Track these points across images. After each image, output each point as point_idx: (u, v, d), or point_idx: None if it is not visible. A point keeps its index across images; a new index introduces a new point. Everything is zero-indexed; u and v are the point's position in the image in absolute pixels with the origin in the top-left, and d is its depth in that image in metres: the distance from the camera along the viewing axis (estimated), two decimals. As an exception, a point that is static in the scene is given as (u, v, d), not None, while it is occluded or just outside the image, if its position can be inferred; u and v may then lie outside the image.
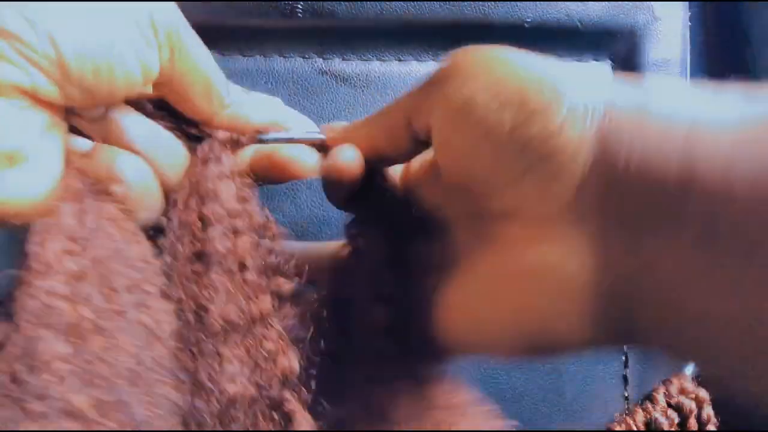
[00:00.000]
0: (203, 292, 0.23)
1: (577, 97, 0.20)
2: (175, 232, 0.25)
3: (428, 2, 0.35)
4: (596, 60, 0.39)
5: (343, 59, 0.36)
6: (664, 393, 0.40)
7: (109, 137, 0.25)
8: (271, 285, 0.25)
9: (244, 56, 0.35)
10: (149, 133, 0.26)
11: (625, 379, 0.40)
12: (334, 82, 0.36)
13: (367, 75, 0.36)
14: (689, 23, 0.41)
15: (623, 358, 0.40)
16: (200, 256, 0.24)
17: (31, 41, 0.20)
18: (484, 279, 0.22)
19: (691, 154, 0.18)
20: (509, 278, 0.21)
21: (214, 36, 0.34)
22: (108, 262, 0.22)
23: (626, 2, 0.38)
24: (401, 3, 0.35)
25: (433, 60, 0.37)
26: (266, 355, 0.24)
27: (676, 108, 0.19)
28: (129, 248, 0.23)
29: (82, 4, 0.22)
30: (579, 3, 0.37)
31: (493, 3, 0.36)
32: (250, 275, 0.24)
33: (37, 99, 0.21)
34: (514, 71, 0.21)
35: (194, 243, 0.24)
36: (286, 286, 0.25)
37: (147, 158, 0.25)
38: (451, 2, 0.36)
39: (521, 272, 0.21)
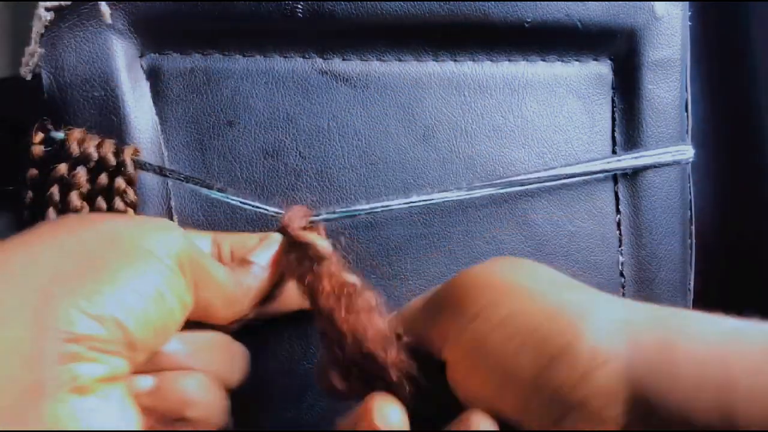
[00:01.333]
0: None
1: (597, 337, 0.19)
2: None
3: (428, 2, 0.35)
4: (596, 60, 0.39)
5: (343, 59, 0.36)
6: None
7: (163, 366, 0.25)
8: None
9: (244, 56, 0.35)
10: (198, 346, 0.26)
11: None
12: (334, 82, 0.36)
13: (367, 75, 0.36)
14: (689, 23, 0.41)
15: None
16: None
17: (102, 334, 0.21)
18: None
19: (730, 404, 0.17)
20: None
21: (214, 36, 0.34)
22: None
23: (626, 2, 0.38)
24: (401, 3, 0.35)
25: (434, 60, 0.37)
26: None
27: (705, 351, 0.18)
28: None
29: (119, 263, 0.22)
30: (579, 3, 0.37)
31: (493, 3, 0.36)
32: None
33: (113, 379, 0.22)
34: (528, 304, 0.20)
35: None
36: None
37: (206, 371, 0.26)
38: (451, 2, 0.36)
39: None
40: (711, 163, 0.47)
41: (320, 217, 0.32)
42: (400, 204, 0.34)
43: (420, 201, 0.34)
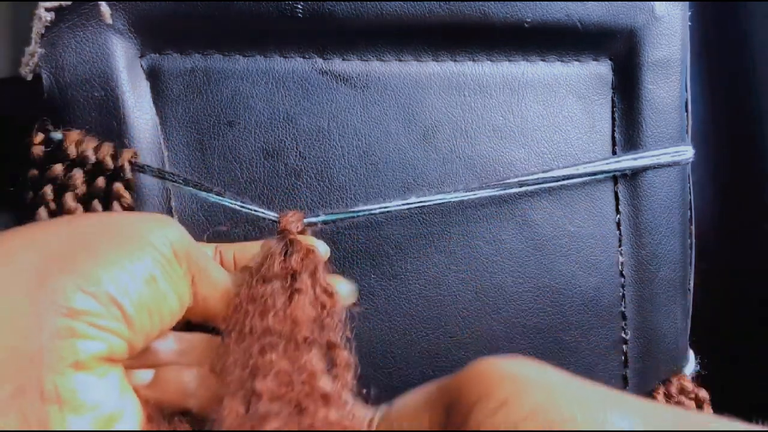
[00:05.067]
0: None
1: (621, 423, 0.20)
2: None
3: (428, 2, 0.35)
4: (596, 60, 0.39)
5: (343, 59, 0.36)
6: (664, 393, 0.40)
7: (160, 363, 0.26)
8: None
9: (244, 56, 0.35)
10: (194, 345, 0.27)
11: (624, 379, 0.40)
12: (334, 82, 0.36)
13: (367, 75, 0.36)
14: (689, 23, 0.41)
15: (623, 358, 0.40)
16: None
17: (99, 310, 0.21)
18: None
19: None
20: None
21: (214, 36, 0.34)
22: None
23: (626, 2, 0.38)
24: (401, 3, 0.35)
25: (434, 60, 0.37)
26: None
27: None
28: None
29: (114, 246, 0.22)
30: (579, 3, 0.37)
31: (493, 3, 0.36)
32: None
33: (111, 359, 0.22)
34: (556, 396, 0.21)
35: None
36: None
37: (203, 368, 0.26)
38: (451, 2, 0.36)
39: None
40: (711, 163, 0.47)
41: (318, 218, 0.32)
42: (398, 206, 0.34)
43: (418, 203, 0.34)
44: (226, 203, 0.31)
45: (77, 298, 0.20)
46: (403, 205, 0.34)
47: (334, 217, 0.33)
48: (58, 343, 0.20)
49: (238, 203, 0.31)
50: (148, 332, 0.23)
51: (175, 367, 0.26)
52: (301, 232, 0.31)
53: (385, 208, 0.33)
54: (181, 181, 0.31)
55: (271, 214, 0.32)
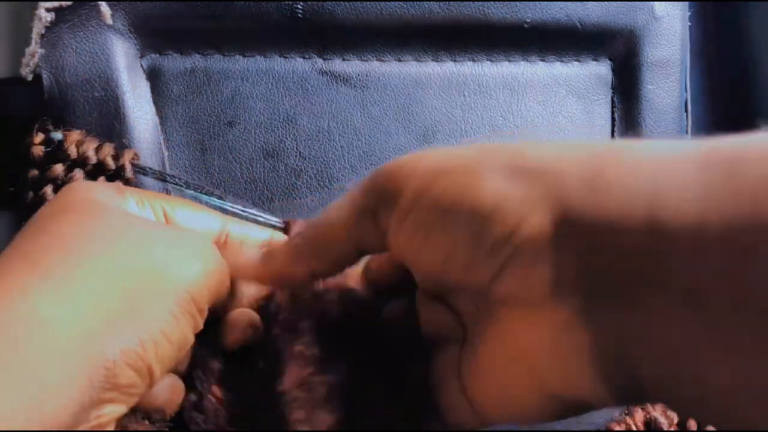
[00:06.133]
0: None
1: (521, 190, 0.20)
2: None
3: (428, 2, 0.35)
4: (596, 60, 0.39)
5: (343, 59, 0.36)
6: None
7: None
8: None
9: (244, 56, 0.35)
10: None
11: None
12: (334, 82, 0.36)
13: (367, 75, 0.36)
14: (689, 23, 0.41)
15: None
16: None
17: (138, 385, 0.21)
18: (498, 356, 0.23)
19: (658, 216, 0.18)
20: (518, 357, 0.22)
21: (214, 36, 0.34)
22: None
23: (626, 2, 0.38)
24: (401, 3, 0.35)
25: (434, 60, 0.37)
26: None
27: (634, 174, 0.19)
28: None
29: (157, 311, 0.22)
30: (579, 3, 0.37)
31: (493, 3, 0.36)
32: None
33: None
34: (454, 181, 0.21)
35: None
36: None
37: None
38: (451, 2, 0.36)
39: (525, 352, 0.21)
40: (711, 163, 0.47)
41: None
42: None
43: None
44: (227, 207, 0.31)
45: (123, 374, 0.21)
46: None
47: None
48: (92, 411, 0.20)
49: (239, 208, 0.31)
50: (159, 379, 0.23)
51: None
52: None
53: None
54: (182, 184, 0.31)
55: (273, 220, 0.32)
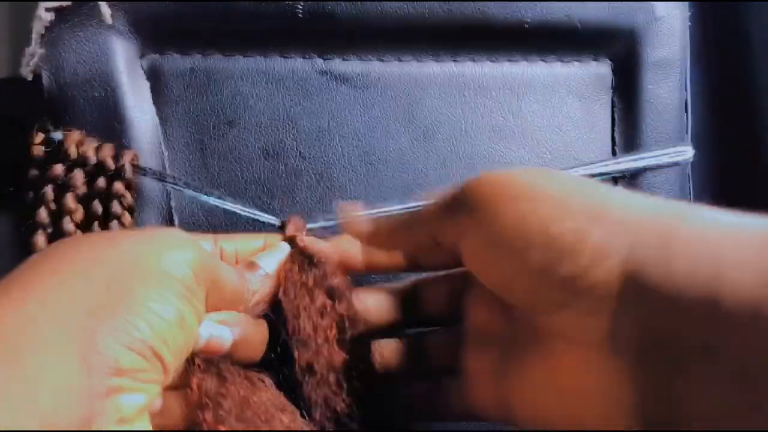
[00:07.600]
0: None
1: (601, 236, 0.21)
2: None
3: (428, 2, 0.35)
4: (596, 60, 0.39)
5: (343, 59, 0.36)
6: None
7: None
8: None
9: (245, 56, 0.35)
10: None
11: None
12: (334, 82, 0.36)
13: (367, 75, 0.36)
14: (689, 23, 0.41)
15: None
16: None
17: (144, 366, 0.21)
18: (542, 379, 0.24)
19: (719, 292, 0.18)
20: (561, 390, 0.23)
21: (214, 36, 0.34)
22: None
23: (626, 2, 0.38)
24: (401, 3, 0.35)
25: (434, 60, 0.37)
26: None
27: (700, 245, 0.20)
28: None
29: (148, 290, 0.22)
30: (579, 3, 0.37)
31: (493, 3, 0.36)
32: None
33: (149, 406, 0.22)
34: (538, 209, 0.22)
35: None
36: None
37: None
38: (451, 2, 0.36)
39: (569, 388, 0.22)
40: (711, 163, 0.47)
41: (317, 224, 0.32)
42: (397, 210, 0.33)
43: (417, 206, 0.34)
44: (227, 207, 0.31)
45: (124, 357, 0.21)
46: (402, 209, 0.34)
47: (332, 223, 0.32)
48: (106, 403, 0.20)
49: (239, 207, 0.31)
50: (177, 368, 0.24)
51: (178, 395, 0.26)
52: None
53: (385, 211, 0.33)
54: (182, 185, 0.31)
55: (272, 219, 0.32)
